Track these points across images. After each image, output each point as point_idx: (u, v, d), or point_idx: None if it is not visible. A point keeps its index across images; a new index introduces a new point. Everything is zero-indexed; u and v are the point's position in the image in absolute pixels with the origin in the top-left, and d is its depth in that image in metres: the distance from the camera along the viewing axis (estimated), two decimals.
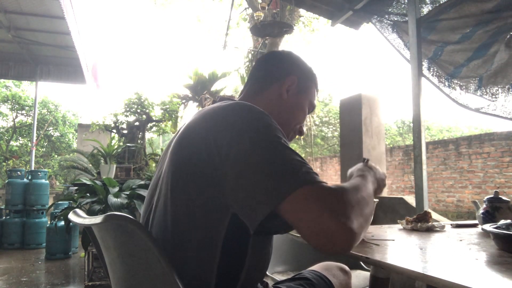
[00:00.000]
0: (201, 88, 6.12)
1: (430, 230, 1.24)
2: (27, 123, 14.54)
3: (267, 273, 1.46)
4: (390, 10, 2.78)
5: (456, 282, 0.61)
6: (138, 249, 0.68)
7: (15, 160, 11.94)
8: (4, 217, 5.07)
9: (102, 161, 4.48)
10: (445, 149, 7.91)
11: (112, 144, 4.76)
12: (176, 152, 0.76)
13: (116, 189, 3.25)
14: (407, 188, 8.71)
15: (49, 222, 4.63)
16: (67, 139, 15.63)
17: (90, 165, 5.01)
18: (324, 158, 12.23)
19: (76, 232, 4.64)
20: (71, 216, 0.88)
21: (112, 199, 2.97)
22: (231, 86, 8.94)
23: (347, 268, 1.19)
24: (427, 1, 2.51)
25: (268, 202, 0.62)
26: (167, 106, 5.50)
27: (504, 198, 1.27)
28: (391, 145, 11.97)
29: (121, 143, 5.01)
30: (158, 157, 5.23)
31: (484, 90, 2.21)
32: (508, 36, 2.07)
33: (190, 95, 6.25)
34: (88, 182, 3.30)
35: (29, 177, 5.12)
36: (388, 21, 2.80)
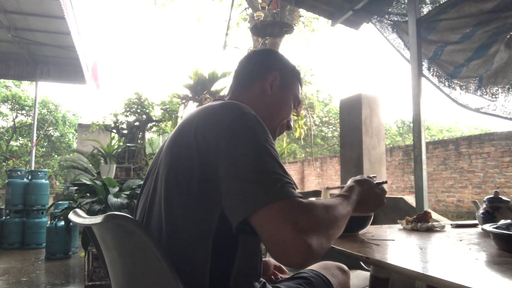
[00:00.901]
0: (201, 88, 6.10)
1: (430, 230, 1.24)
2: (27, 123, 14.55)
3: None
4: (390, 10, 2.78)
5: (456, 282, 0.61)
6: (138, 249, 0.68)
7: (15, 160, 11.95)
8: (4, 217, 5.07)
9: (102, 161, 4.48)
10: (445, 149, 7.91)
11: (112, 144, 4.76)
12: (170, 150, 0.79)
13: (116, 189, 3.25)
14: (407, 188, 8.71)
15: (49, 222, 4.62)
16: (67, 139, 15.65)
17: (90, 165, 5.00)
18: (324, 158, 12.23)
19: (76, 232, 4.64)
20: (71, 216, 0.89)
21: (112, 199, 2.97)
22: None
23: (345, 267, 1.19)
24: (427, 1, 2.51)
25: (242, 211, 0.64)
26: (167, 106, 5.50)
27: (504, 198, 1.27)
28: (391, 145, 11.99)
29: (121, 143, 5.01)
30: None
31: (484, 90, 2.21)
32: (508, 36, 2.07)
33: (190, 95, 6.23)
34: (88, 182, 3.30)
35: (29, 177, 5.11)
36: (388, 21, 2.80)
